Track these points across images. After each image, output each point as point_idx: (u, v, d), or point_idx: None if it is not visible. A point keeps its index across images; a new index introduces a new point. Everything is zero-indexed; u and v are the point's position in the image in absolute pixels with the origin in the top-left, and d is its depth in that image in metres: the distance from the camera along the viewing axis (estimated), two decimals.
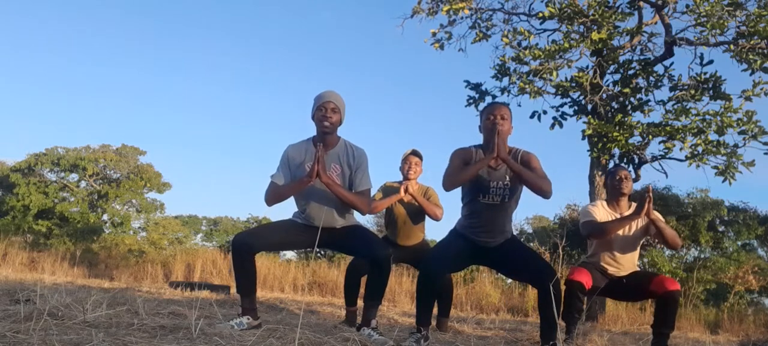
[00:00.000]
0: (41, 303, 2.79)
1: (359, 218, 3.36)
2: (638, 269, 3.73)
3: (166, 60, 33.40)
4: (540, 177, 2.84)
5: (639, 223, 3.63)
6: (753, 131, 7.70)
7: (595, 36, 8.02)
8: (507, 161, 2.81)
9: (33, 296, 3.23)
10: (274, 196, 3.12)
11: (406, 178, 4.09)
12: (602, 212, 3.65)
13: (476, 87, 9.29)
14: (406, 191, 4.01)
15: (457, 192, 3.10)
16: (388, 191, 4.13)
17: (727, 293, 12.18)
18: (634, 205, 3.67)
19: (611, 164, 8.57)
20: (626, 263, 3.63)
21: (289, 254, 14.63)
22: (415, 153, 4.11)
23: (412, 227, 4.13)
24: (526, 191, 2.97)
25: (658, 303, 3.44)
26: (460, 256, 3.06)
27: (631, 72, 8.60)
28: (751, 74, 7.94)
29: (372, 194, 4.11)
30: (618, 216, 3.62)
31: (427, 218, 4.14)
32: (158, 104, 33.51)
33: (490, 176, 2.93)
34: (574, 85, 8.48)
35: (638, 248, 3.69)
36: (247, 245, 3.00)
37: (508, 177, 2.93)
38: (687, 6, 8.28)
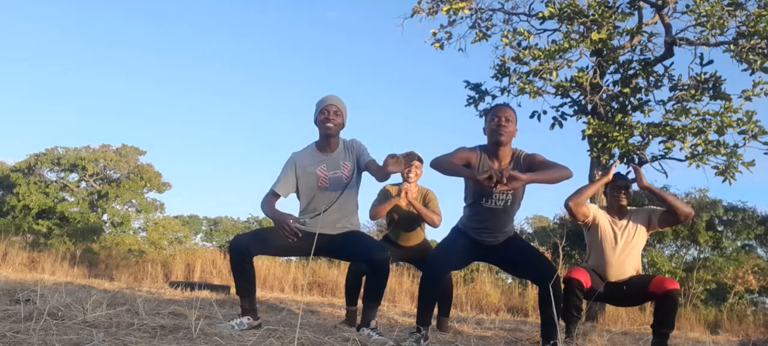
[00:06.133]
0: (41, 303, 2.80)
1: (359, 220, 3.37)
2: (640, 271, 3.72)
3: (166, 60, 33.42)
4: (552, 168, 2.79)
5: (640, 228, 3.64)
6: (753, 131, 7.69)
7: (595, 36, 8.01)
8: (516, 184, 2.60)
9: (33, 296, 3.23)
10: (269, 209, 3.16)
11: (405, 180, 4.09)
12: (600, 213, 3.68)
13: (476, 87, 9.29)
14: (405, 196, 4.01)
15: (460, 193, 3.11)
16: (387, 194, 4.14)
17: (726, 293, 12.19)
18: (633, 210, 3.70)
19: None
20: (626, 269, 3.63)
21: None
22: (416, 157, 4.12)
23: (413, 227, 4.15)
24: (530, 191, 2.96)
25: (657, 303, 3.44)
26: (463, 254, 3.07)
27: (631, 72, 8.60)
28: (751, 74, 7.94)
29: (372, 198, 4.16)
30: (616, 224, 3.65)
31: None
32: (158, 104, 33.51)
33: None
34: (574, 85, 8.48)
35: (639, 254, 3.69)
36: (245, 248, 3.00)
37: None
38: (687, 6, 8.28)
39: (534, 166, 2.88)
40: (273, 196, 3.18)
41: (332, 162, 3.17)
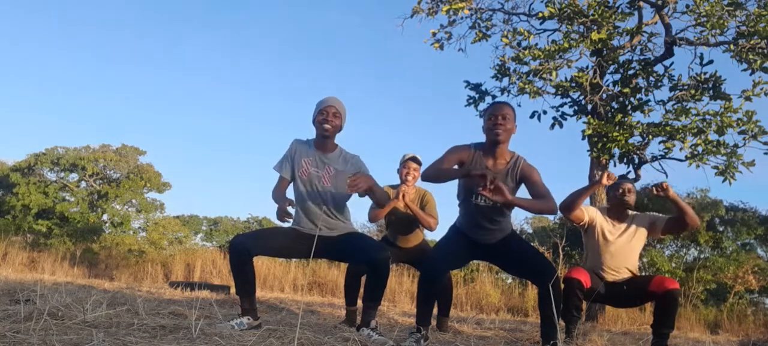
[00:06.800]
0: (41, 303, 2.80)
1: (358, 221, 3.40)
2: (637, 273, 3.72)
3: (167, 59, 33.36)
4: (541, 198, 2.80)
5: (639, 233, 3.65)
6: (753, 131, 7.69)
7: (595, 36, 8.01)
8: (498, 198, 2.59)
9: (33, 296, 3.24)
10: (275, 192, 3.21)
11: (403, 182, 4.09)
12: (597, 215, 3.68)
13: (476, 87, 9.29)
14: (403, 198, 4.01)
15: (453, 191, 3.10)
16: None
17: (727, 293, 12.18)
18: (635, 215, 3.69)
19: (612, 165, 8.57)
20: (621, 271, 3.64)
21: None
22: (414, 159, 4.12)
23: (412, 229, 4.15)
24: (524, 191, 2.95)
25: (657, 303, 3.45)
26: (461, 253, 3.06)
27: (631, 72, 8.60)
28: (751, 74, 7.93)
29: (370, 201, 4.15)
30: (614, 226, 3.65)
31: None
32: (158, 103, 33.44)
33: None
34: (574, 85, 8.48)
35: (635, 257, 3.70)
36: (245, 248, 3.01)
37: (507, 180, 2.90)
38: (687, 6, 8.28)
39: (527, 182, 2.88)
40: (282, 181, 3.25)
41: (319, 160, 3.21)
